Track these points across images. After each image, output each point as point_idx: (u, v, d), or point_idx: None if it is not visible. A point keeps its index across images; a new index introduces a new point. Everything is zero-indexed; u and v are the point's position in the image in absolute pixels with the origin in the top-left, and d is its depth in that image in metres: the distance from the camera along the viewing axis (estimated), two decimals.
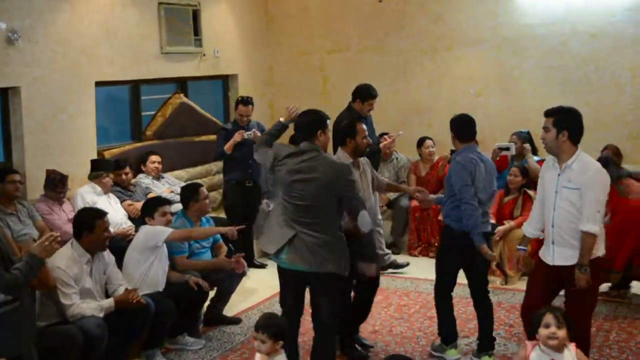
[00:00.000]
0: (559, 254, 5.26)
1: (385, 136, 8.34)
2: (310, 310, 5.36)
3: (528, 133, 9.08)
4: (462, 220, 5.78)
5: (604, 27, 9.42)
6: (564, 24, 9.59)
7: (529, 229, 5.59)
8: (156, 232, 6.30)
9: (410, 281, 8.24)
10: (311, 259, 5.11)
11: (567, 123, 5.21)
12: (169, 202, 6.80)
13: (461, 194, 5.77)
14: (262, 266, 8.71)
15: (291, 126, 5.96)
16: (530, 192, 8.25)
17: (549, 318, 4.31)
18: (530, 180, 8.49)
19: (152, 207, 6.52)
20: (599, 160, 6.68)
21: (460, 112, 6.13)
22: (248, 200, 8.43)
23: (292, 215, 5.18)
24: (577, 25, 9.53)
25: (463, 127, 5.99)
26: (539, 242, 6.02)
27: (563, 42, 9.64)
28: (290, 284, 5.34)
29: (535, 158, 8.80)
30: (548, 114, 5.29)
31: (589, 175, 5.11)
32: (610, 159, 7.62)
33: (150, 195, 7.85)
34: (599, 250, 5.22)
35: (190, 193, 6.94)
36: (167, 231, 6.29)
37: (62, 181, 7.19)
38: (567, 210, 5.19)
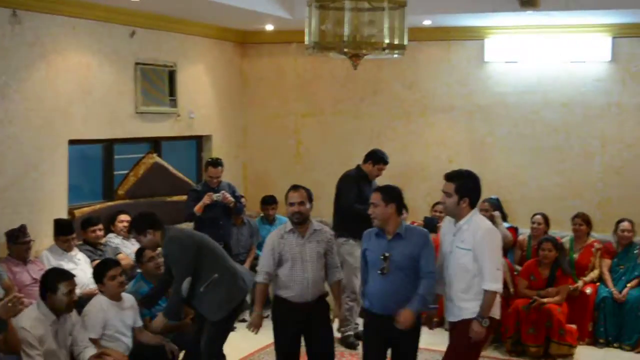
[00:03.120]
0: (450, 310, 5.45)
1: None
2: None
3: (497, 200, 9.14)
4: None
5: (574, 96, 9.60)
6: (535, 93, 9.76)
7: (438, 287, 5.61)
8: (88, 325, 6.01)
9: None
10: None
11: (468, 191, 5.33)
12: (117, 263, 6.53)
13: None
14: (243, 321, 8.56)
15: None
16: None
17: None
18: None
19: (101, 273, 6.19)
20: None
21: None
22: None
23: None
24: (549, 95, 9.70)
25: None
26: None
27: (534, 111, 9.80)
28: None
29: (505, 225, 8.85)
30: (449, 178, 5.40)
31: (479, 237, 5.25)
32: None
33: (120, 256, 7.78)
34: (495, 313, 5.36)
35: (137, 255, 7.02)
36: (94, 332, 5.99)
37: (21, 230, 7.11)
38: (458, 270, 5.35)
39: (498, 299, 5.37)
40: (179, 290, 6.15)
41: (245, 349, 7.81)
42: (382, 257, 5.53)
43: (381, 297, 5.58)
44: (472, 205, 5.36)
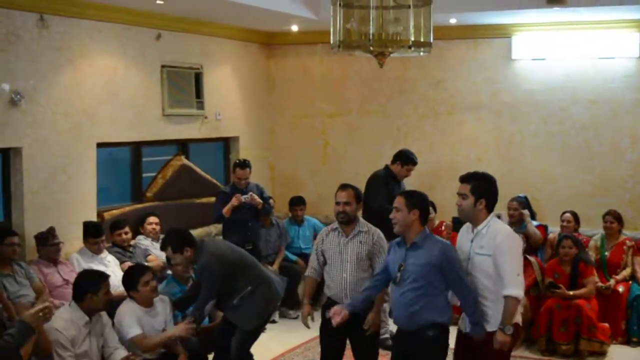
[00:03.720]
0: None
1: None
2: None
3: (525, 198, 9.05)
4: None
5: (603, 93, 9.51)
6: (563, 90, 9.68)
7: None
8: (121, 330, 5.99)
9: None
10: None
11: (485, 191, 5.14)
12: (148, 268, 6.55)
13: None
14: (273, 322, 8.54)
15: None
16: (531, 258, 8.22)
17: None
18: (530, 245, 8.49)
19: (135, 279, 6.08)
20: None
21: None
22: None
23: None
24: (577, 91, 9.61)
25: None
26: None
27: (563, 108, 9.71)
28: None
29: (535, 223, 8.78)
30: (464, 180, 5.22)
31: (498, 241, 5.02)
32: None
33: (150, 258, 7.82)
34: (516, 319, 5.10)
35: (167, 257, 6.97)
36: (130, 334, 5.94)
37: (50, 232, 7.15)
38: (478, 277, 5.10)
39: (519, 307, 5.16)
40: (202, 311, 6.32)
41: (275, 349, 7.82)
42: (397, 267, 5.20)
43: (395, 309, 5.31)
44: (490, 209, 5.14)
